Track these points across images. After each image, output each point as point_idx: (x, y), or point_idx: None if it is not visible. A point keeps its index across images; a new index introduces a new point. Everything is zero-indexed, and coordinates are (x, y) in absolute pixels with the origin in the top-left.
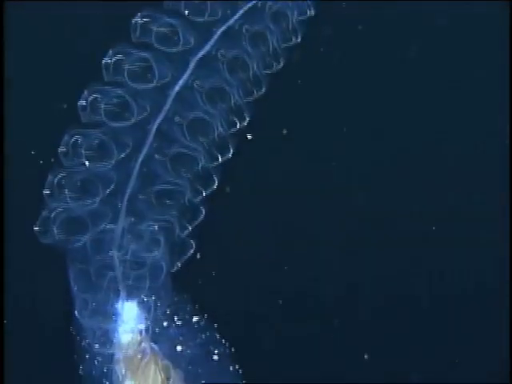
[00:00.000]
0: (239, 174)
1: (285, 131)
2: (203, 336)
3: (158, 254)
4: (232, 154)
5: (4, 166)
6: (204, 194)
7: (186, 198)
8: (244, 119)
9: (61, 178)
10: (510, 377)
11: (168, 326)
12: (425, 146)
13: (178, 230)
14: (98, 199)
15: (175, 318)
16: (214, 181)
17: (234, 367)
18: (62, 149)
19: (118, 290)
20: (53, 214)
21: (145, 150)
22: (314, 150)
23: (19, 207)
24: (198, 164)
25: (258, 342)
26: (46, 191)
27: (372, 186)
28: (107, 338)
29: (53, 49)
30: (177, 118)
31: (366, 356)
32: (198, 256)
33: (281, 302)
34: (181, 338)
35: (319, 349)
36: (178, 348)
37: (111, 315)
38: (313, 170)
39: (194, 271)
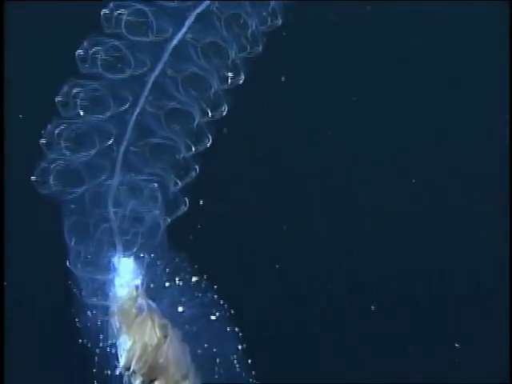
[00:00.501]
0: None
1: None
2: (202, 297)
3: (154, 209)
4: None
5: (4, 166)
6: (198, 150)
7: (181, 154)
8: (240, 76)
9: (59, 129)
10: (510, 377)
11: (167, 286)
12: (424, 146)
13: (171, 186)
14: (94, 151)
15: (175, 279)
16: (209, 138)
17: (233, 329)
18: (59, 99)
19: (114, 243)
20: (50, 165)
21: (141, 103)
22: (313, 147)
23: (19, 207)
24: (194, 120)
25: (257, 304)
26: (44, 141)
27: (370, 186)
28: (102, 291)
29: (53, 49)
30: (171, 72)
31: (366, 356)
32: (201, 203)
33: (277, 266)
34: (181, 299)
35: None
36: (180, 309)
37: (106, 268)
38: (312, 167)
39: (193, 229)
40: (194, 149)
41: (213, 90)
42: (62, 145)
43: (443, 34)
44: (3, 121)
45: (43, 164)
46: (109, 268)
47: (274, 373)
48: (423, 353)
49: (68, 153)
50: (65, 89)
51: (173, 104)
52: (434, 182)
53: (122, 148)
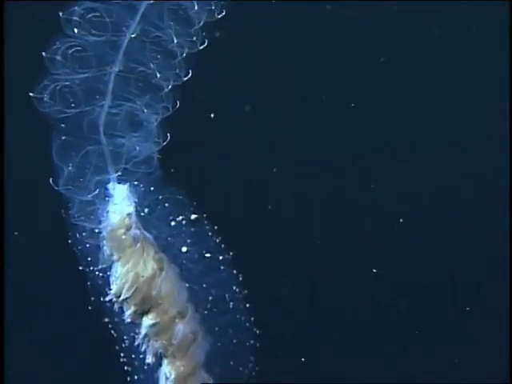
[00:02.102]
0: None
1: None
2: (205, 240)
3: (146, 137)
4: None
5: (4, 166)
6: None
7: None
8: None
9: (64, 47)
10: (510, 377)
11: (172, 225)
12: (425, 146)
13: (158, 116)
14: (92, 73)
15: (177, 217)
16: (189, 72)
17: (233, 272)
18: (65, 16)
19: (105, 168)
20: (51, 83)
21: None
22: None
23: (19, 207)
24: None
25: (258, 247)
26: (48, 56)
27: (370, 186)
28: (95, 215)
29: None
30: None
31: (365, 355)
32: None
33: (270, 207)
34: (186, 240)
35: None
36: (184, 249)
37: (95, 190)
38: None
39: (193, 168)
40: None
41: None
42: (64, 63)
43: (443, 34)
44: (3, 121)
45: (45, 82)
46: (98, 191)
47: (272, 317)
48: (423, 353)
49: (69, 71)
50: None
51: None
52: (433, 181)
53: (114, 73)
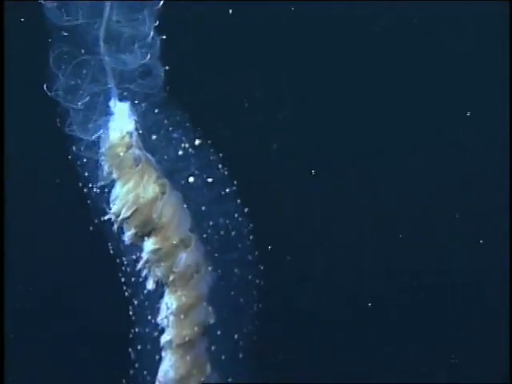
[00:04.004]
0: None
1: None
2: (204, 161)
3: (150, 57)
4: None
5: (4, 166)
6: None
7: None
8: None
9: None
10: (510, 377)
11: (180, 154)
12: (424, 146)
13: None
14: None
15: (184, 144)
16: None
17: (238, 204)
18: None
19: (106, 83)
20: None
21: None
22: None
23: (19, 207)
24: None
25: (262, 178)
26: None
27: (369, 186)
28: (91, 127)
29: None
30: None
31: (365, 355)
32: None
33: (275, 146)
34: (194, 170)
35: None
36: (191, 179)
37: (96, 105)
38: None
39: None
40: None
41: None
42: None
43: (443, 34)
44: (3, 121)
45: None
46: (96, 104)
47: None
48: (423, 353)
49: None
50: None
51: None
52: (433, 181)
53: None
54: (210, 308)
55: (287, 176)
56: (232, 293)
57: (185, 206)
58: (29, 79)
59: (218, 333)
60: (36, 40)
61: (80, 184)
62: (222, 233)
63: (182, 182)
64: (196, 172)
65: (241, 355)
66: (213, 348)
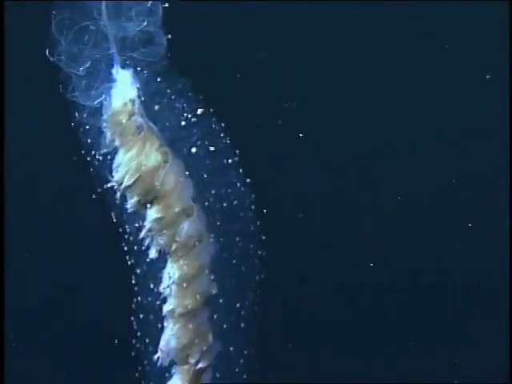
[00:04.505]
0: None
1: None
2: (207, 130)
3: (153, 26)
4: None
5: (4, 166)
6: None
7: None
8: None
9: None
10: (510, 377)
11: (183, 125)
12: (424, 146)
13: None
14: None
15: (182, 112)
16: None
17: (240, 173)
18: None
19: (109, 50)
20: None
21: None
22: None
23: (19, 207)
24: None
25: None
26: None
27: (368, 186)
28: (94, 94)
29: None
30: None
31: (365, 355)
32: None
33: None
34: (196, 141)
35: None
36: (193, 149)
37: (99, 72)
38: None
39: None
40: None
41: None
42: None
43: (443, 34)
44: (3, 121)
45: None
46: (98, 71)
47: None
48: (423, 353)
49: None
50: None
51: None
52: (432, 181)
53: None
54: (212, 277)
55: (290, 148)
56: (234, 262)
57: (187, 173)
58: (29, 79)
59: (220, 302)
60: (36, 40)
61: (82, 151)
62: (224, 203)
63: (185, 150)
64: (198, 141)
65: (242, 325)
66: (215, 317)
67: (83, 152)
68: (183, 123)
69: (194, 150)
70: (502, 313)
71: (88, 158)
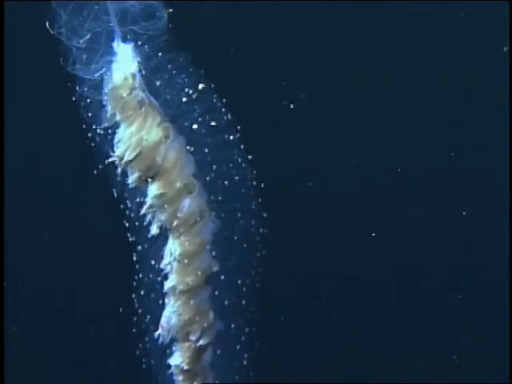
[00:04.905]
0: None
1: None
2: (208, 106)
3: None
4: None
5: (4, 166)
6: None
7: None
8: None
9: None
10: (510, 377)
11: (184, 101)
12: (424, 146)
13: None
14: None
15: (183, 87)
16: None
17: (242, 149)
18: None
19: (109, 23)
20: None
21: None
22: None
23: (19, 207)
24: None
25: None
26: None
27: (368, 186)
28: (94, 67)
29: (54, 48)
30: None
31: (365, 355)
32: None
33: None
34: (197, 118)
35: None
36: (194, 126)
37: (100, 46)
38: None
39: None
40: None
41: None
42: None
43: (443, 34)
44: (3, 121)
45: None
46: (100, 45)
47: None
48: (423, 352)
49: None
50: None
51: None
52: (432, 181)
53: None
54: (213, 254)
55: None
56: (235, 239)
57: (189, 149)
58: (29, 79)
59: (222, 279)
60: (36, 40)
61: (84, 126)
62: (225, 179)
63: (186, 125)
64: (200, 118)
65: (243, 302)
66: (216, 294)
67: (84, 127)
68: (184, 99)
69: (195, 126)
70: (502, 312)
71: (89, 134)
